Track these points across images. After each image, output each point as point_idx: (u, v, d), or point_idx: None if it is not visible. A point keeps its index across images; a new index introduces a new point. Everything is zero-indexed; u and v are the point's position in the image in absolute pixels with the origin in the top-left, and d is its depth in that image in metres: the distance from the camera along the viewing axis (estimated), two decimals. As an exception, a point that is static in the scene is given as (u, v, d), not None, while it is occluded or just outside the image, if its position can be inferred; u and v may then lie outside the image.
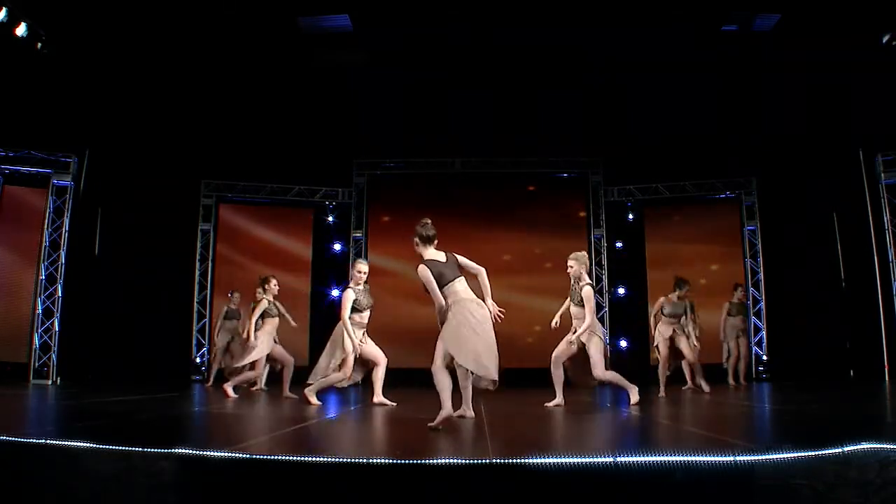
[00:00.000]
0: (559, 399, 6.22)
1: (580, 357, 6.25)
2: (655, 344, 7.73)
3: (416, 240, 4.84)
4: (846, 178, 10.59)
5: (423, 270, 4.69)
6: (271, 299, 7.73)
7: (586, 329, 6.10)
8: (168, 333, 11.39)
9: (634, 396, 6.06)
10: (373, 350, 6.51)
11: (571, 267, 6.37)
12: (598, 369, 6.06)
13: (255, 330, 7.66)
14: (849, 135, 10.35)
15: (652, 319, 8.09)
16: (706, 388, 7.48)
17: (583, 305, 6.19)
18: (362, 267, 6.54)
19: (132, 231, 11.36)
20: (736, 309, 10.04)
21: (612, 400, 7.21)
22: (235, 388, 7.53)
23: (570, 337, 6.22)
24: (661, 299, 7.98)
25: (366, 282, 6.58)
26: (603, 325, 6.56)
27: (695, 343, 7.84)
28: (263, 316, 7.63)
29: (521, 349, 9.87)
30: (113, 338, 10.92)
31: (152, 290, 11.17)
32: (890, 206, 10.21)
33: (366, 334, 6.52)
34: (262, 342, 7.53)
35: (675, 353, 7.73)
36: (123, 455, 2.75)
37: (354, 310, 6.35)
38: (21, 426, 4.49)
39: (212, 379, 10.06)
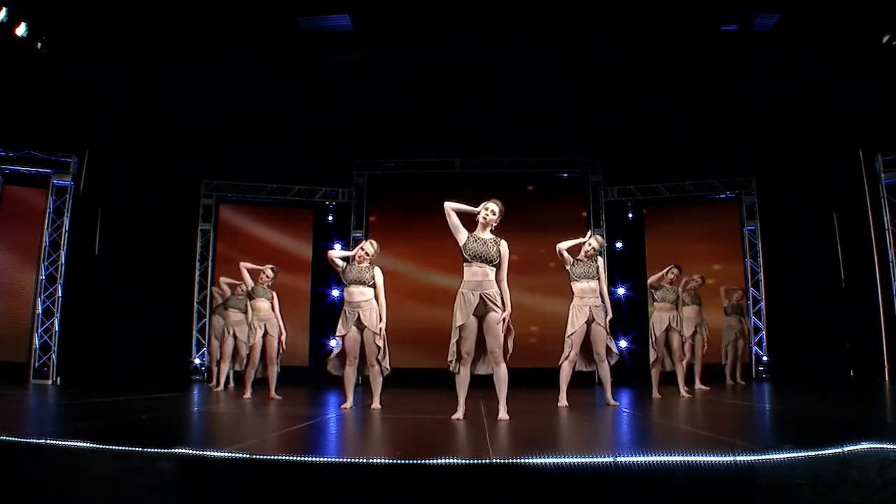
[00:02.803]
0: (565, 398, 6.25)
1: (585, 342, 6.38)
2: (652, 340, 7.43)
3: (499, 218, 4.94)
4: (846, 178, 10.59)
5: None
6: (262, 286, 7.56)
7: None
8: (168, 334, 11.40)
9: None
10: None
11: (597, 243, 6.49)
12: (612, 343, 6.32)
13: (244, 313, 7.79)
14: (849, 135, 10.36)
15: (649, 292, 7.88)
16: (686, 393, 7.39)
17: (595, 279, 6.39)
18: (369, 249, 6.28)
19: (132, 231, 11.37)
20: (731, 309, 10.16)
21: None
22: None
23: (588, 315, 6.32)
24: (654, 277, 7.76)
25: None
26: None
27: (688, 339, 7.75)
28: (252, 297, 7.55)
29: (523, 349, 9.84)
30: (113, 338, 10.93)
31: (152, 290, 11.17)
32: (890, 206, 10.20)
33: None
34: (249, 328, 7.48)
35: (669, 351, 7.55)
36: (123, 455, 2.74)
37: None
38: (21, 426, 4.48)
39: (223, 381, 8.97)
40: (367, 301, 6.09)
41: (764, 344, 11.32)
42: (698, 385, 8.42)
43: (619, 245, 12.36)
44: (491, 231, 5.03)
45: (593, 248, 6.49)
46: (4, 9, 8.57)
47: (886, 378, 9.76)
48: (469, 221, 4.99)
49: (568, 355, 6.34)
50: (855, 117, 10.00)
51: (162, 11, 8.87)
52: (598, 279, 6.42)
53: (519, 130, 11.60)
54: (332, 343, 11.60)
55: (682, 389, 7.26)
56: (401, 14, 9.24)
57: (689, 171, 11.87)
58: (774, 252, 11.53)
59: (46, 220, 10.84)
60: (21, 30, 8.88)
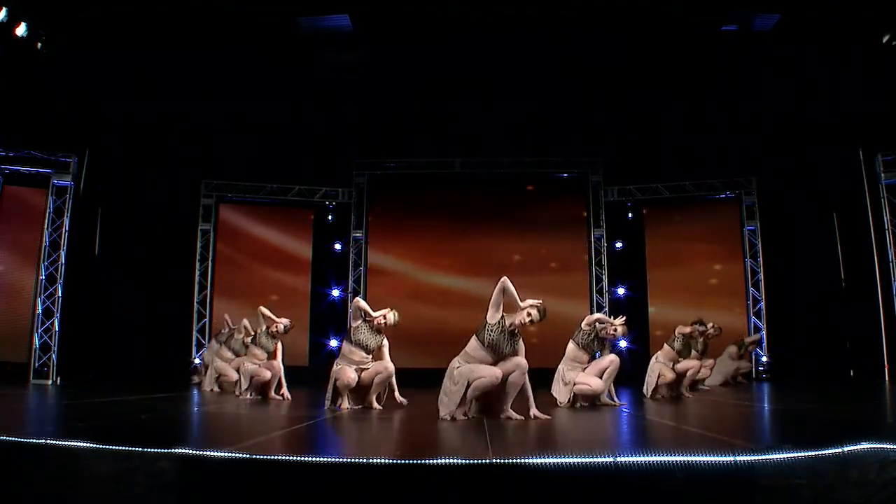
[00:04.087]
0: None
1: None
2: (656, 376, 7.10)
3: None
4: (846, 178, 10.59)
5: None
6: (270, 336, 7.43)
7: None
8: (168, 333, 11.40)
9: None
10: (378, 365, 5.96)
11: (621, 331, 6.37)
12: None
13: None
14: (849, 135, 10.36)
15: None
16: (685, 393, 7.33)
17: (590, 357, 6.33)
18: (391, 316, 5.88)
19: (132, 231, 11.37)
20: (745, 349, 10.26)
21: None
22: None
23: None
24: (687, 330, 7.35)
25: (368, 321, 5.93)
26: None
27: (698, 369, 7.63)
28: (255, 342, 7.48)
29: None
30: (113, 338, 10.92)
31: (152, 290, 11.17)
32: (890, 206, 10.20)
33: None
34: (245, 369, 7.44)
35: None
36: (123, 455, 2.74)
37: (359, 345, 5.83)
38: (21, 426, 4.48)
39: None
40: (364, 361, 5.87)
41: (764, 344, 11.32)
42: (700, 386, 8.41)
43: (619, 245, 12.36)
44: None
45: (614, 333, 6.32)
46: (4, 9, 8.56)
47: (886, 378, 9.76)
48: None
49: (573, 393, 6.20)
50: (855, 117, 10.00)
51: (162, 11, 8.86)
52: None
53: (519, 130, 11.60)
54: (333, 343, 11.62)
55: (683, 389, 7.25)
56: (401, 14, 9.24)
57: (689, 171, 11.87)
58: (774, 252, 11.53)
59: (46, 220, 10.83)
60: (21, 30, 8.88)
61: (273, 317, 7.44)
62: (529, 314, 4.72)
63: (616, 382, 6.44)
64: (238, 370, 7.75)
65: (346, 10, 9.13)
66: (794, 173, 11.13)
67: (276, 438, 4.00)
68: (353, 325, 5.90)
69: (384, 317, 5.81)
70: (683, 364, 7.19)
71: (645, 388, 7.18)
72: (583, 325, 6.32)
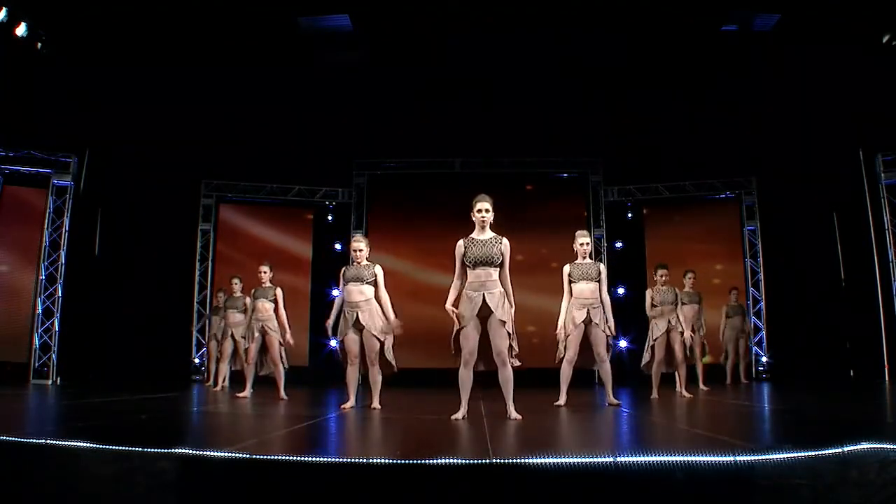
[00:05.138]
0: (564, 398, 6.24)
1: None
2: (650, 344, 7.19)
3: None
4: (846, 178, 10.59)
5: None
6: (262, 286, 7.53)
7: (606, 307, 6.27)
8: (168, 333, 11.40)
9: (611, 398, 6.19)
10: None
11: (583, 238, 6.42)
12: (604, 348, 6.23)
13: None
14: (849, 135, 10.36)
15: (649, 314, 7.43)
16: (687, 394, 7.26)
17: (595, 281, 6.28)
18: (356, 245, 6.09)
19: (132, 231, 11.37)
20: (733, 311, 10.23)
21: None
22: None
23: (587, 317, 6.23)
24: (648, 291, 7.46)
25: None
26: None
27: (689, 335, 7.52)
28: (254, 298, 7.55)
29: (524, 349, 9.81)
30: (112, 338, 10.93)
31: (152, 290, 11.17)
32: (890, 206, 10.20)
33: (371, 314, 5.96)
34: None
35: (669, 351, 7.24)
36: (123, 455, 2.74)
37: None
38: (21, 426, 4.48)
39: (220, 381, 8.84)
40: (366, 301, 5.93)
41: (764, 344, 11.32)
42: (701, 386, 8.39)
43: (619, 245, 12.36)
44: (491, 228, 4.96)
45: (581, 243, 6.39)
46: (4, 9, 8.57)
47: (886, 378, 9.76)
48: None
49: (564, 355, 6.28)
50: (855, 117, 10.00)
51: (162, 11, 8.87)
52: (599, 282, 6.27)
53: (519, 130, 11.61)
54: (333, 343, 11.61)
55: (682, 391, 7.20)
56: (401, 14, 9.25)
57: (689, 171, 11.87)
58: (774, 252, 11.53)
59: (46, 220, 10.84)
60: (21, 30, 8.88)
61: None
62: (479, 210, 5.06)
63: (616, 383, 6.44)
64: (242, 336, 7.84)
65: (346, 10, 9.14)
66: (794, 173, 11.12)
67: (276, 438, 4.00)
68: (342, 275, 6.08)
69: (354, 250, 6.03)
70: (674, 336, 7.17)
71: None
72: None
